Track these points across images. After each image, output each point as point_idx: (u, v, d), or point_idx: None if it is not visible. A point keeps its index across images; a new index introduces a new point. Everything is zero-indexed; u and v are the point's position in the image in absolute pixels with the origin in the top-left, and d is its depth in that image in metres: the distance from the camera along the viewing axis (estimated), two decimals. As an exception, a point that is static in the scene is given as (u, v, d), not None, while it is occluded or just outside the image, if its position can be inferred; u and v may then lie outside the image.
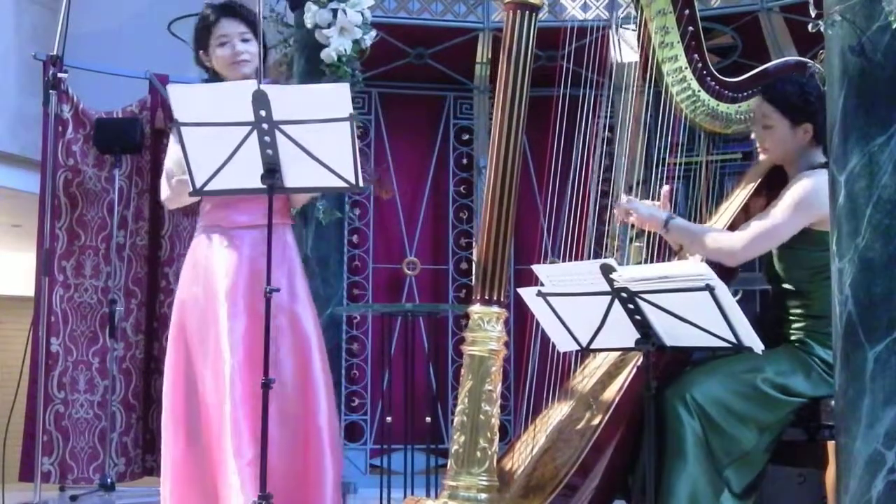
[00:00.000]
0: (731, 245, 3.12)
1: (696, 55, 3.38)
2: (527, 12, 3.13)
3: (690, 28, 3.36)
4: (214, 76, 3.27)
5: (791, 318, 3.18)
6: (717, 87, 3.40)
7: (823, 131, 3.07)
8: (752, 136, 3.33)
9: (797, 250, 3.14)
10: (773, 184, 3.35)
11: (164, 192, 3.25)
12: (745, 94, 3.41)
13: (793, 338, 3.15)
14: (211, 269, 3.13)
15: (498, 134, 3.13)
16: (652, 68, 3.38)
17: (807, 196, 3.08)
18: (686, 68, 3.37)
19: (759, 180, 3.35)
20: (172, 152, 3.21)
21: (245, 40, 3.23)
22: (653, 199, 3.35)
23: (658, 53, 3.36)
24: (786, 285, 3.20)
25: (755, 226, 3.13)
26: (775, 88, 3.25)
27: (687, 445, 2.96)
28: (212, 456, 3.03)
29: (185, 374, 3.13)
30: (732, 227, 3.24)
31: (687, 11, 3.36)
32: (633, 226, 3.53)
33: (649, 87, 3.43)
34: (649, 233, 3.35)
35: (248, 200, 3.16)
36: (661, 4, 3.35)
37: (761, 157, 3.33)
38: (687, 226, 3.23)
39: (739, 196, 3.35)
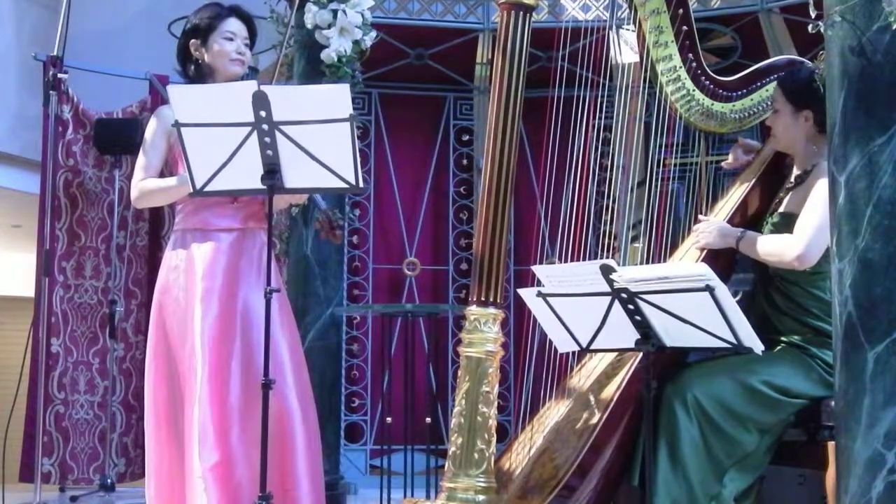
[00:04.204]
0: (793, 251, 3.07)
1: (690, 55, 3.38)
2: (521, 12, 3.14)
3: (685, 27, 3.37)
4: (196, 71, 3.27)
5: (781, 315, 3.18)
6: (712, 87, 3.41)
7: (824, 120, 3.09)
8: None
9: None
10: (772, 180, 3.35)
11: (134, 192, 3.25)
12: (739, 93, 3.42)
13: (790, 339, 3.15)
14: (190, 272, 3.13)
15: (493, 134, 3.13)
16: (647, 68, 3.38)
17: None
18: (680, 67, 3.38)
19: (757, 176, 3.36)
20: (146, 156, 3.22)
21: (246, 44, 3.29)
22: (651, 198, 3.35)
23: (652, 53, 3.36)
24: (775, 280, 3.21)
25: (806, 226, 3.08)
26: (789, 74, 3.30)
27: (682, 447, 2.96)
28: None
29: (167, 374, 3.14)
30: (729, 223, 3.25)
31: (681, 11, 3.37)
32: (633, 226, 3.54)
33: (646, 87, 3.43)
34: (649, 233, 3.35)
35: (226, 204, 3.17)
36: (654, 4, 3.36)
37: (772, 143, 3.34)
38: (752, 239, 3.19)
39: (736, 193, 3.35)
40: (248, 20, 3.32)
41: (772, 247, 3.15)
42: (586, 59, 3.36)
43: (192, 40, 3.26)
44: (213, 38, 3.25)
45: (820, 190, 3.08)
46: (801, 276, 3.14)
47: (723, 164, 3.56)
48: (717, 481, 2.98)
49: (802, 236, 3.08)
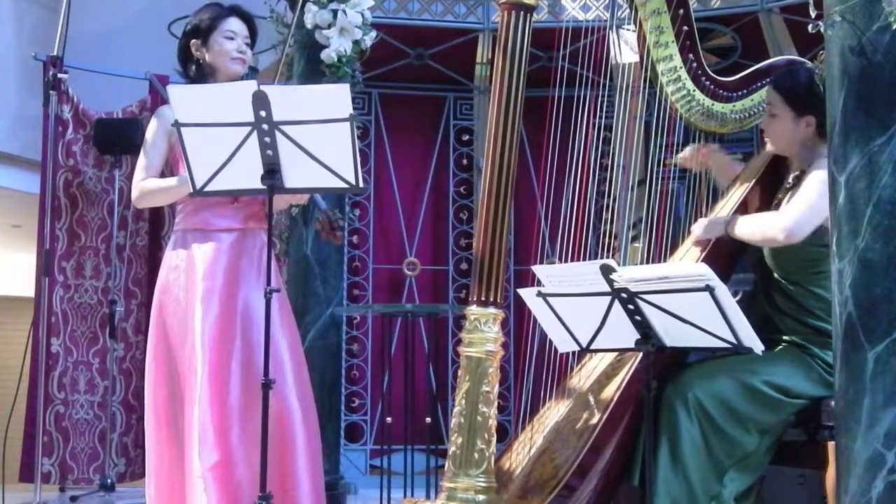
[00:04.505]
0: (779, 224, 3.06)
1: (690, 55, 3.38)
2: (522, 12, 3.14)
3: (685, 28, 3.37)
4: (197, 71, 3.27)
5: (782, 315, 3.18)
6: (712, 87, 3.41)
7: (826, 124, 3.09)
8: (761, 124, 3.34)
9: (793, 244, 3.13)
10: (771, 181, 3.35)
11: (135, 192, 3.25)
12: (740, 93, 3.42)
13: (791, 338, 3.15)
14: (191, 272, 3.13)
15: (494, 134, 3.13)
16: (647, 68, 3.38)
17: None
18: (681, 68, 3.38)
19: (756, 177, 3.35)
20: (147, 156, 3.22)
21: (246, 43, 3.29)
22: (651, 198, 3.35)
23: (653, 53, 3.36)
24: (777, 280, 3.20)
25: (796, 204, 3.08)
26: (785, 78, 3.27)
27: (682, 446, 2.96)
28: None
29: (167, 374, 3.14)
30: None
31: (681, 11, 3.37)
32: (633, 226, 3.54)
33: (646, 87, 3.44)
34: (649, 233, 3.35)
35: (226, 205, 3.18)
36: (655, 4, 3.36)
37: (768, 146, 3.33)
38: (739, 220, 3.18)
39: (737, 193, 3.35)
40: (248, 19, 3.33)
41: (758, 223, 3.15)
42: (586, 58, 3.36)
43: (193, 40, 3.27)
44: (213, 38, 3.25)
45: (813, 178, 3.08)
46: (802, 276, 3.14)
47: (679, 157, 3.49)
48: (717, 481, 2.98)
49: (790, 212, 3.08)
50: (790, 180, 3.27)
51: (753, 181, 3.35)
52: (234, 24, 3.28)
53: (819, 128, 3.14)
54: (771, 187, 3.35)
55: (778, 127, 3.24)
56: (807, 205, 3.06)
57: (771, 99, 3.25)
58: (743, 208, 3.30)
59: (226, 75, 3.22)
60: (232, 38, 3.26)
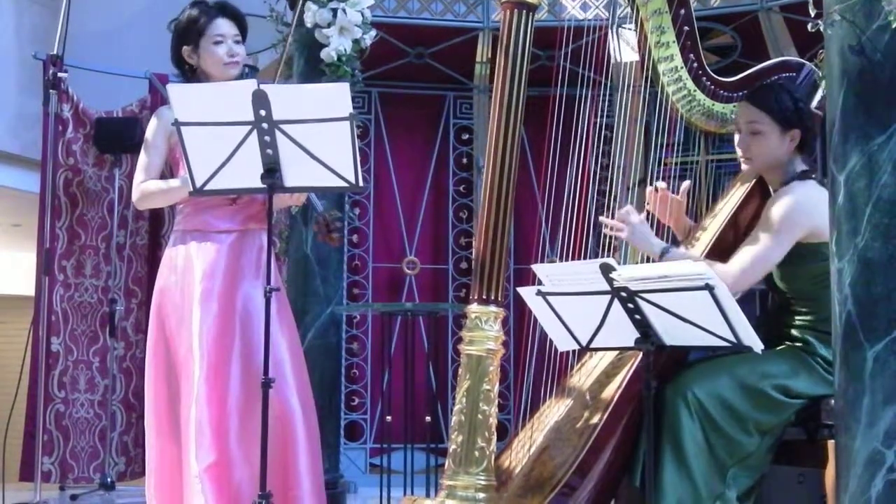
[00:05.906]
0: (725, 280, 2.97)
1: (691, 55, 3.37)
2: (524, 11, 3.13)
3: (686, 28, 3.36)
4: (193, 75, 3.26)
5: (796, 318, 3.17)
6: (713, 87, 3.40)
7: (808, 138, 3.08)
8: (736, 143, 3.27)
9: (795, 266, 3.11)
10: (762, 192, 3.31)
11: (135, 194, 3.25)
12: (740, 94, 3.41)
13: (795, 336, 3.14)
14: (189, 273, 3.13)
15: (495, 133, 3.13)
16: (648, 68, 3.38)
17: (788, 214, 3.03)
18: (682, 68, 3.37)
19: (747, 191, 3.30)
20: (147, 156, 3.21)
21: (237, 42, 3.25)
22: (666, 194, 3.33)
23: (654, 53, 3.36)
24: (789, 296, 3.19)
25: (746, 253, 3.05)
26: (766, 93, 3.21)
27: (686, 446, 2.95)
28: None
29: (166, 373, 3.14)
30: (720, 240, 3.20)
31: (682, 11, 3.35)
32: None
33: (646, 87, 3.44)
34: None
35: (226, 206, 3.17)
36: (656, 4, 3.35)
37: (744, 167, 3.28)
38: (678, 258, 3.08)
39: (725, 209, 3.30)
40: (235, 16, 3.26)
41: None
42: (586, 58, 3.36)
43: (184, 47, 3.24)
44: (203, 45, 3.21)
45: (773, 213, 3.05)
46: (816, 292, 3.10)
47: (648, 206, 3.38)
48: (720, 481, 2.98)
49: (737, 265, 3.03)
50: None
51: (745, 194, 3.30)
52: (222, 27, 3.22)
53: (802, 142, 3.14)
54: (763, 196, 3.31)
55: (763, 144, 3.17)
56: (752, 256, 3.02)
57: (753, 116, 3.17)
58: (733, 226, 3.24)
59: (221, 79, 3.19)
60: (221, 42, 3.21)
